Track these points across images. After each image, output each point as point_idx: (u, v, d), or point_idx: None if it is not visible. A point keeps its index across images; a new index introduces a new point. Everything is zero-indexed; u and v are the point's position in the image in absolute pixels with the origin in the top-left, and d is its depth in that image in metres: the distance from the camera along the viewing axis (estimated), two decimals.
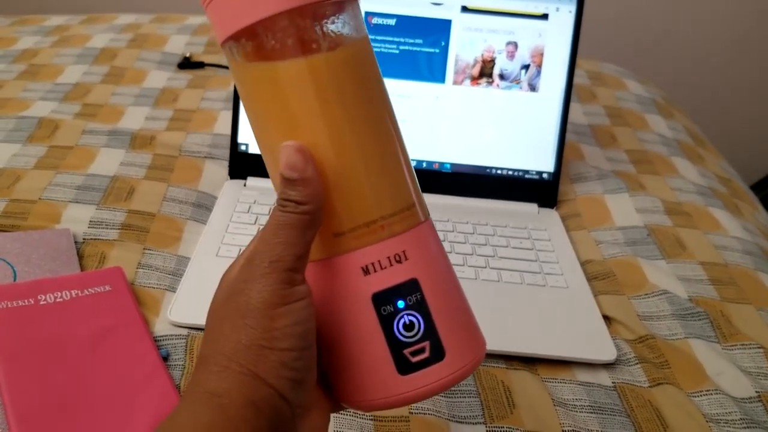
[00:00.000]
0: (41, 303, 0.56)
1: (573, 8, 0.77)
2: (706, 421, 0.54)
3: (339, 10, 0.32)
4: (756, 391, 0.57)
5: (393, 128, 0.34)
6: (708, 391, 0.57)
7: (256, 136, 0.35)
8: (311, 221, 0.31)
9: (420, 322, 0.32)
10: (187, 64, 1.06)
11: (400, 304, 0.32)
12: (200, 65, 1.06)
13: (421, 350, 0.32)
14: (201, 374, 0.30)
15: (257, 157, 0.78)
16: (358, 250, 0.32)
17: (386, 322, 0.32)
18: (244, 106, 0.34)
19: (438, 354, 0.32)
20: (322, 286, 0.33)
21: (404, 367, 0.32)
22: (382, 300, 0.32)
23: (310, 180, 0.31)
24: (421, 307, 0.32)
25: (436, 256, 0.34)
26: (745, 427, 0.54)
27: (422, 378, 0.32)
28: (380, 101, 0.33)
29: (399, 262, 0.32)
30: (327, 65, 0.31)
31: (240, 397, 0.29)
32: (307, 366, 0.31)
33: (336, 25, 0.32)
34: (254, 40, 0.31)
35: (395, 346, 0.32)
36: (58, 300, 0.57)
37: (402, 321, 0.32)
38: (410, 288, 0.32)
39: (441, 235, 0.73)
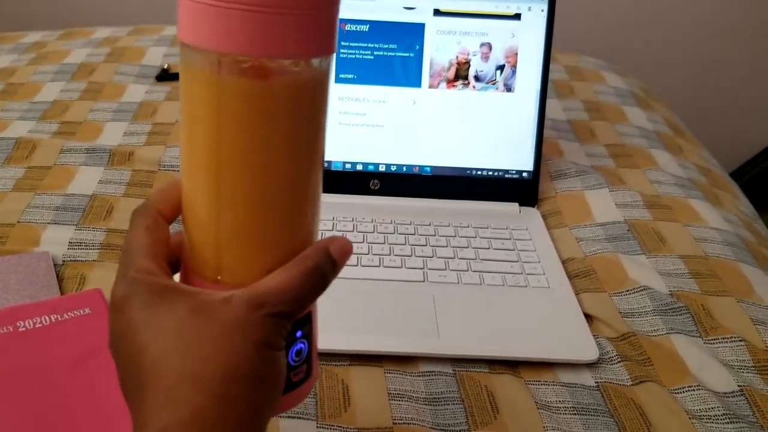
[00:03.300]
0: (20, 329, 0.56)
1: (545, 7, 0.77)
2: (689, 418, 0.55)
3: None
4: (738, 385, 0.58)
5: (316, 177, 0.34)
6: (690, 387, 0.57)
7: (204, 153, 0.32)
8: (316, 297, 0.34)
9: (305, 349, 0.35)
10: (165, 76, 1.06)
11: (299, 333, 0.34)
12: (178, 77, 1.06)
13: (300, 372, 0.35)
14: (194, 399, 0.28)
15: None
16: None
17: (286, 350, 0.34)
18: (202, 119, 0.32)
19: (308, 373, 0.36)
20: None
21: (287, 386, 0.34)
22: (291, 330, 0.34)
23: (339, 270, 0.34)
24: (309, 335, 0.35)
25: None
26: (728, 422, 0.54)
27: (295, 395, 0.35)
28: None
29: None
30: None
31: (233, 426, 0.29)
32: (276, 402, 0.32)
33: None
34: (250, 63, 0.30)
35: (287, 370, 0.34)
36: (37, 326, 0.56)
37: (295, 348, 0.34)
38: (306, 319, 0.35)
39: (422, 239, 0.73)
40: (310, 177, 0.33)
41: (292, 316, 0.32)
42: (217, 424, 0.29)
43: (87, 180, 0.79)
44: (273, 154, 0.31)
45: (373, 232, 0.74)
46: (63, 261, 0.67)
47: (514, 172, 0.80)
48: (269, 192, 0.32)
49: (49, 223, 0.71)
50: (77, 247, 0.68)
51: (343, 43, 0.78)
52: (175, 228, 0.33)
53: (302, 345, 0.34)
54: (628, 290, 0.67)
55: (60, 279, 0.64)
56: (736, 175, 1.78)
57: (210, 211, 0.33)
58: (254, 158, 0.31)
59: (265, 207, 0.32)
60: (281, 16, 0.29)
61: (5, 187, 0.77)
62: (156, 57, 1.13)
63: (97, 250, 0.68)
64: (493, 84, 0.79)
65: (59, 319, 0.58)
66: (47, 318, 0.57)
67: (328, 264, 0.33)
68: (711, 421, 0.54)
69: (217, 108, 0.31)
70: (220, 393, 0.29)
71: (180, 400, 0.29)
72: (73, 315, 0.58)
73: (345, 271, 0.36)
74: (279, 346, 0.31)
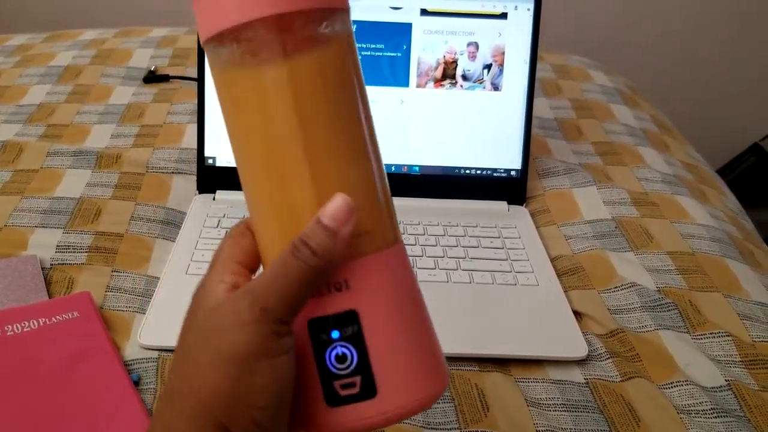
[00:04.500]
0: (8, 334, 0.56)
1: (531, 6, 0.78)
2: (678, 413, 0.55)
3: (331, 15, 0.32)
4: (726, 380, 0.58)
5: (371, 145, 0.33)
6: (679, 382, 0.58)
7: (234, 143, 0.33)
8: (318, 277, 0.30)
9: (353, 356, 0.31)
10: (152, 77, 1.06)
11: (334, 334, 0.31)
12: (165, 78, 1.06)
13: (352, 384, 0.31)
14: (171, 410, 0.30)
15: (225, 170, 0.78)
16: None
17: (319, 350, 0.31)
18: (224, 112, 0.32)
19: (369, 391, 0.31)
20: None
21: (333, 398, 0.31)
22: (318, 327, 0.31)
23: (341, 238, 0.30)
24: (356, 340, 0.31)
25: (390, 288, 0.32)
26: (716, 417, 0.55)
27: (348, 413, 0.31)
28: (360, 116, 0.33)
29: (339, 290, 0.31)
30: (309, 69, 0.31)
31: None
32: (279, 424, 0.30)
33: (327, 28, 0.31)
34: (241, 42, 0.30)
35: (325, 376, 0.31)
36: (25, 330, 0.56)
37: (335, 352, 0.31)
38: (347, 319, 0.31)
39: (412, 238, 0.73)
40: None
41: (285, 311, 0.29)
42: None
43: (74, 183, 0.79)
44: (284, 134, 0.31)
45: None
46: (51, 264, 0.66)
47: (502, 170, 0.81)
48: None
49: (36, 227, 0.71)
50: (65, 251, 0.68)
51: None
52: None
53: (345, 350, 0.31)
54: (616, 287, 0.68)
55: (48, 282, 0.64)
56: (722, 172, 1.79)
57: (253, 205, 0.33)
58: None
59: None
60: None
61: None
62: (143, 59, 1.12)
63: (85, 253, 0.68)
64: (481, 83, 0.79)
65: (47, 322, 0.57)
66: (35, 322, 0.57)
67: (319, 235, 0.29)
68: (699, 415, 0.55)
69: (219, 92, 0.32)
70: (192, 412, 0.29)
71: (162, 413, 0.30)
72: (61, 318, 0.58)
73: None
74: (261, 352, 0.28)
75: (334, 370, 0.31)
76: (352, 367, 0.31)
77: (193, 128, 0.91)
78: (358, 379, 0.31)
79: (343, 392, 0.31)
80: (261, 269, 0.33)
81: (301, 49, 0.30)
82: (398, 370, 0.31)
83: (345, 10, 0.32)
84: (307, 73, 0.30)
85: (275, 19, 0.30)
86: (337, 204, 0.30)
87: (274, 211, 0.32)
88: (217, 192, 0.78)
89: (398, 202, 0.82)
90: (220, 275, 0.31)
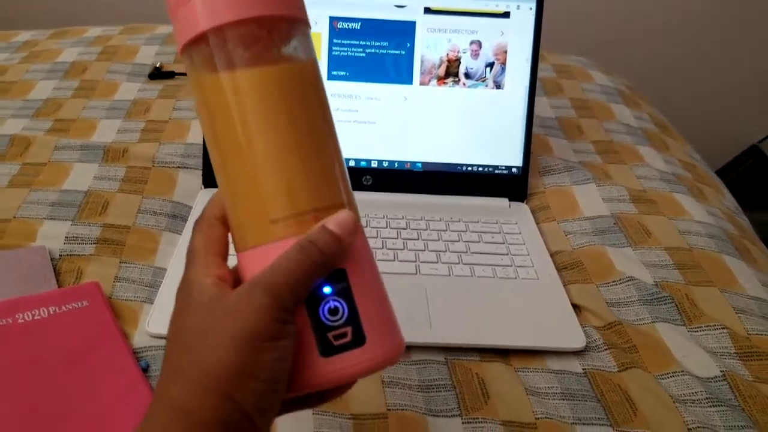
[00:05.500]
0: (19, 321, 0.57)
1: (533, 5, 0.79)
2: (673, 402, 0.56)
3: (292, 30, 0.36)
4: (720, 371, 0.59)
5: (331, 136, 0.37)
6: (675, 372, 0.59)
7: (208, 143, 0.37)
8: (321, 273, 0.34)
9: (344, 309, 0.34)
10: (157, 74, 1.07)
11: (327, 290, 0.34)
12: (171, 75, 1.07)
13: (344, 335, 0.34)
14: (174, 387, 0.32)
15: None
16: (290, 237, 0.34)
17: (312, 306, 0.34)
18: (198, 114, 0.37)
19: (359, 339, 0.34)
20: (256, 272, 0.34)
21: (327, 349, 0.34)
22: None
23: (346, 245, 0.34)
24: (346, 294, 0.35)
25: (362, 252, 0.36)
26: (710, 406, 0.56)
27: (342, 361, 0.34)
28: (323, 113, 0.37)
29: None
30: (276, 78, 0.35)
31: (213, 417, 0.31)
32: (277, 397, 0.33)
33: (288, 45, 0.35)
34: (211, 48, 0.34)
35: (319, 329, 0.34)
36: (36, 318, 0.57)
37: (327, 306, 0.34)
38: (337, 276, 0.35)
39: (414, 233, 0.75)
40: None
41: (292, 299, 0.32)
42: (197, 418, 0.31)
43: (82, 176, 0.80)
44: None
45: (366, 226, 0.75)
46: (60, 255, 0.67)
47: (503, 167, 0.82)
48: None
49: (45, 219, 0.72)
50: (73, 242, 0.69)
51: (335, 41, 0.79)
52: None
53: (338, 304, 0.34)
54: (614, 281, 0.69)
55: (57, 273, 0.65)
56: (720, 174, 1.80)
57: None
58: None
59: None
60: None
61: (1, 184, 0.77)
62: (148, 55, 1.13)
63: (93, 245, 0.69)
64: (483, 81, 0.80)
65: (57, 311, 0.59)
66: (45, 310, 0.58)
67: (326, 238, 0.33)
68: (694, 405, 0.56)
69: (195, 95, 0.36)
70: (197, 385, 0.31)
71: (165, 391, 0.32)
72: (71, 307, 0.59)
73: None
74: (269, 334, 0.32)
75: (327, 322, 0.34)
76: (343, 319, 0.34)
77: (197, 124, 0.93)
78: (349, 329, 0.34)
79: (337, 342, 0.34)
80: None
81: (262, 59, 0.34)
82: (380, 322, 0.36)
83: (303, 22, 0.37)
84: (273, 80, 0.35)
85: (242, 26, 0.34)
86: (343, 218, 0.34)
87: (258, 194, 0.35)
88: None
89: (401, 198, 0.84)
90: (203, 269, 0.34)
